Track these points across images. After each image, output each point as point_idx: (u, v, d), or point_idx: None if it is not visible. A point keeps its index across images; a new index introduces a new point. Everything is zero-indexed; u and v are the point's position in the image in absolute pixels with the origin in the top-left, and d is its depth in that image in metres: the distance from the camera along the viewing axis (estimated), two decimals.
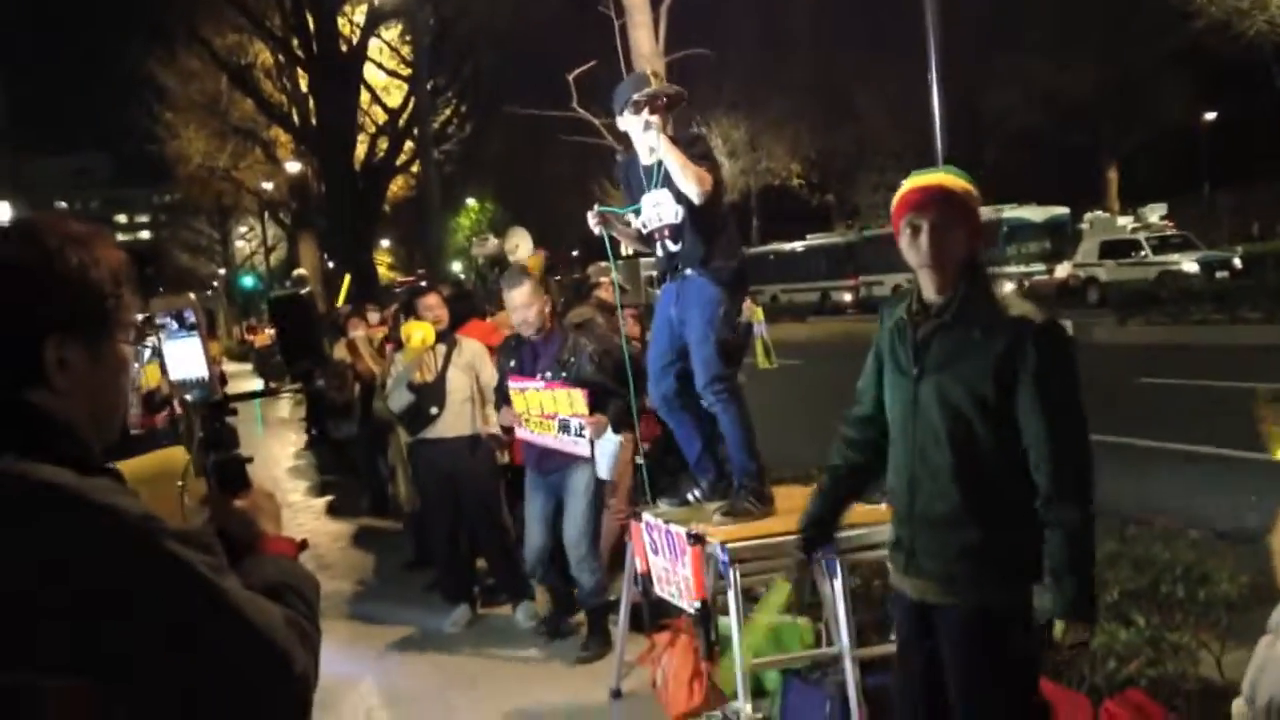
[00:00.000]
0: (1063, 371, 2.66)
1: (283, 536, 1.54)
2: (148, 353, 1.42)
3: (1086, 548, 2.65)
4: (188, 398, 1.66)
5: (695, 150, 4.20)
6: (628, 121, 4.29)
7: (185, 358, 1.65)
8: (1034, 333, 2.64)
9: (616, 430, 5.39)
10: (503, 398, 5.83)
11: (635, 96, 4.22)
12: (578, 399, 5.19)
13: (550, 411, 5.38)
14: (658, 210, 4.29)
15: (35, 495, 1.19)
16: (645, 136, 4.21)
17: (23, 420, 1.27)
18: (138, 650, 1.17)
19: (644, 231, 4.40)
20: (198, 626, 1.20)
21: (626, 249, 4.80)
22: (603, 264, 7.09)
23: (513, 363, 5.73)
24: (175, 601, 1.20)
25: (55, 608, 1.15)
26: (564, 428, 5.31)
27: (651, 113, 4.19)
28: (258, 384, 26.46)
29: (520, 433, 5.71)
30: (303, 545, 1.54)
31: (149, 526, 1.22)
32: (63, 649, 1.15)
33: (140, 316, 1.41)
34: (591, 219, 4.44)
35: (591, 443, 5.25)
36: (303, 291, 12.29)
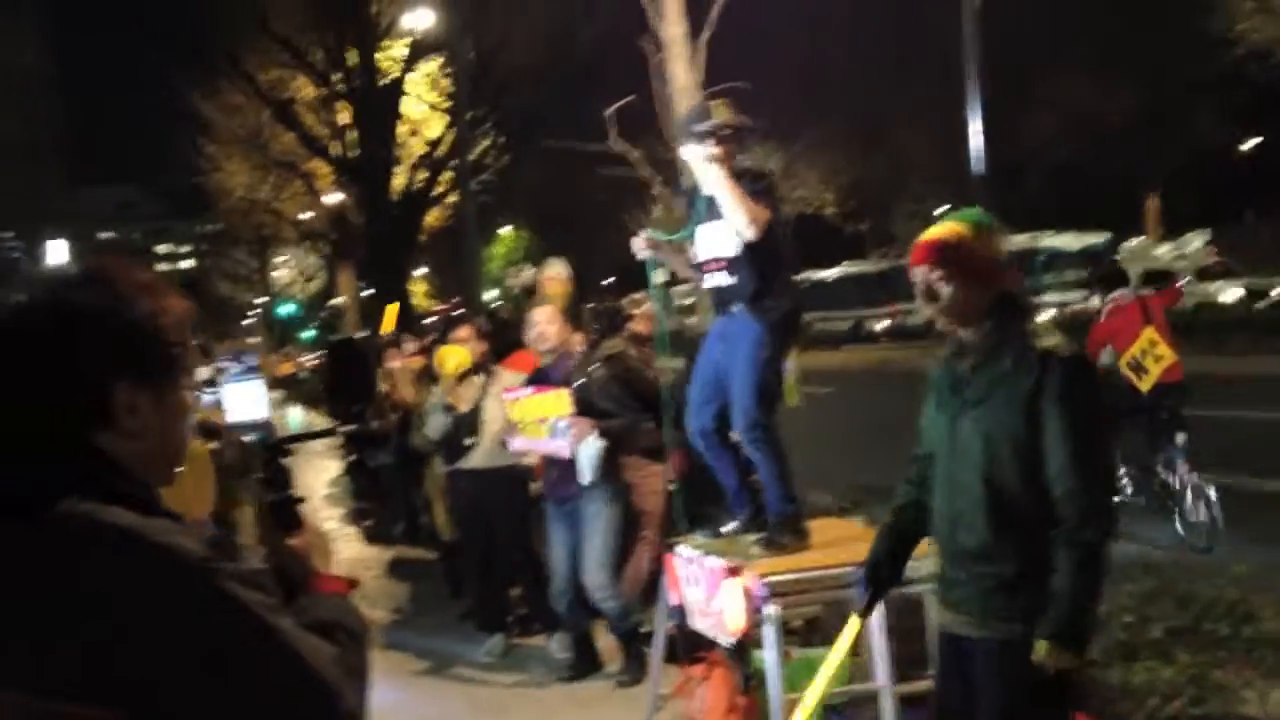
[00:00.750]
0: (1086, 402, 2.71)
1: (335, 575, 1.57)
2: (208, 398, 1.46)
3: (1092, 578, 2.68)
4: (246, 438, 1.71)
5: (757, 186, 4.12)
6: (690, 151, 4.22)
7: (245, 399, 1.70)
8: (1059, 365, 2.70)
9: (607, 440, 5.45)
10: None
11: (697, 129, 4.18)
12: (563, 399, 5.29)
13: (541, 415, 5.46)
14: (713, 241, 4.22)
15: (98, 535, 1.23)
16: (703, 168, 4.16)
17: (90, 463, 1.31)
18: (193, 687, 1.21)
19: (696, 261, 4.35)
20: (253, 664, 1.24)
21: (659, 277, 4.78)
22: (635, 296, 7.13)
23: (529, 387, 5.81)
24: (231, 639, 1.23)
25: (115, 645, 1.19)
26: (555, 430, 5.39)
27: (716, 144, 4.12)
28: (294, 412, 26.68)
29: (515, 443, 5.78)
30: (353, 584, 1.58)
31: (207, 566, 1.25)
32: (119, 685, 1.18)
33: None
34: (638, 244, 4.43)
35: (576, 443, 5.33)
36: (357, 336, 12.49)
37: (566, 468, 5.51)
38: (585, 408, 5.45)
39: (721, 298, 4.26)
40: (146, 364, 1.37)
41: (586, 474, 5.45)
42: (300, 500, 1.64)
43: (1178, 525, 6.85)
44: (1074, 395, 2.69)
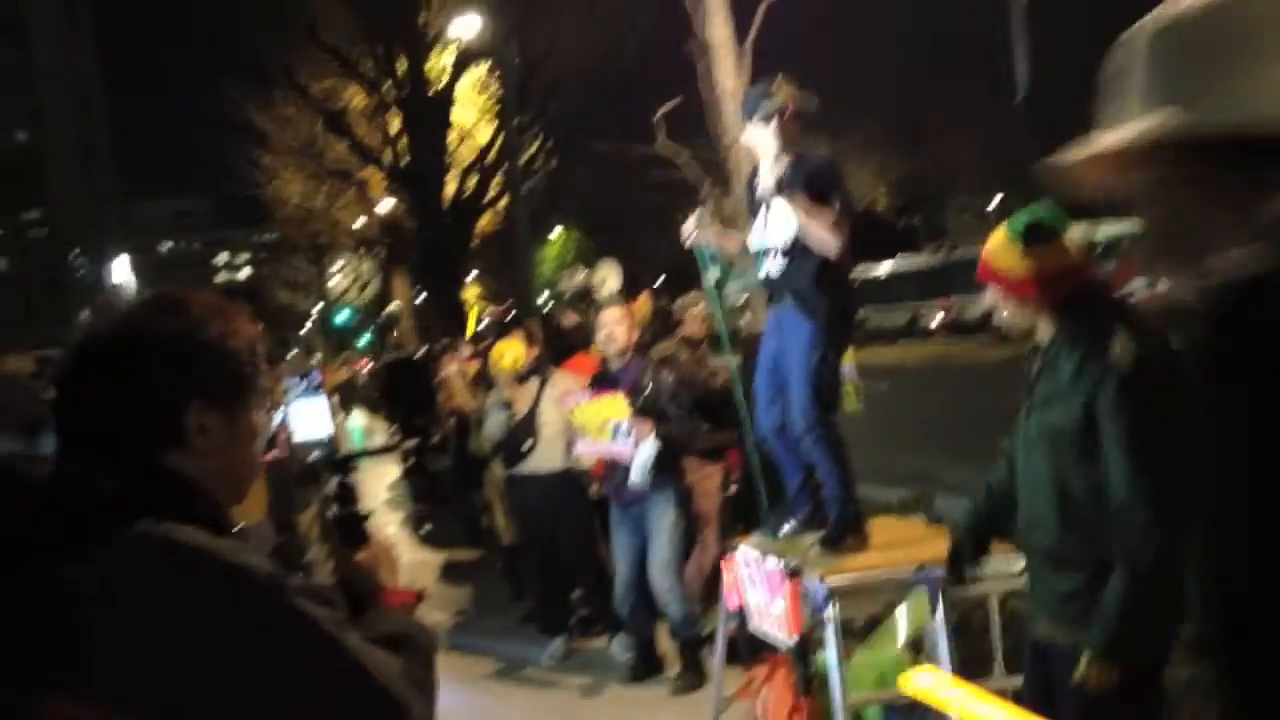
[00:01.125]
0: (1142, 414, 2.58)
1: (401, 589, 1.60)
2: (278, 417, 1.49)
3: (1143, 594, 2.56)
4: (311, 457, 1.74)
5: (826, 180, 4.08)
6: (754, 132, 4.21)
7: (310, 417, 1.74)
8: (1115, 375, 2.59)
9: (666, 444, 5.44)
10: None
11: (762, 110, 4.15)
12: (620, 402, 5.31)
13: (602, 419, 5.49)
14: (772, 224, 4.19)
15: (172, 555, 1.26)
16: (766, 148, 4.14)
17: (164, 484, 1.34)
18: (264, 702, 1.24)
19: (753, 249, 4.31)
20: (322, 679, 1.26)
21: (712, 277, 4.77)
22: (687, 298, 7.11)
23: (587, 392, 5.83)
24: (300, 655, 1.26)
25: (187, 661, 1.22)
26: (616, 431, 5.42)
27: (780, 124, 4.12)
28: (355, 417, 27.03)
29: (581, 446, 5.80)
30: (420, 597, 1.60)
31: (276, 584, 1.28)
32: (191, 699, 1.21)
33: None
34: (687, 227, 4.39)
35: (637, 444, 5.34)
36: (416, 355, 12.77)
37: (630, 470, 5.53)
38: (653, 412, 5.46)
39: (774, 285, 4.23)
40: (217, 386, 1.40)
41: (637, 475, 5.46)
42: (366, 516, 1.67)
43: None
44: (1128, 407, 2.58)
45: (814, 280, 4.11)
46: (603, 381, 5.85)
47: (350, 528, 1.66)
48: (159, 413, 1.36)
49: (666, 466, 5.53)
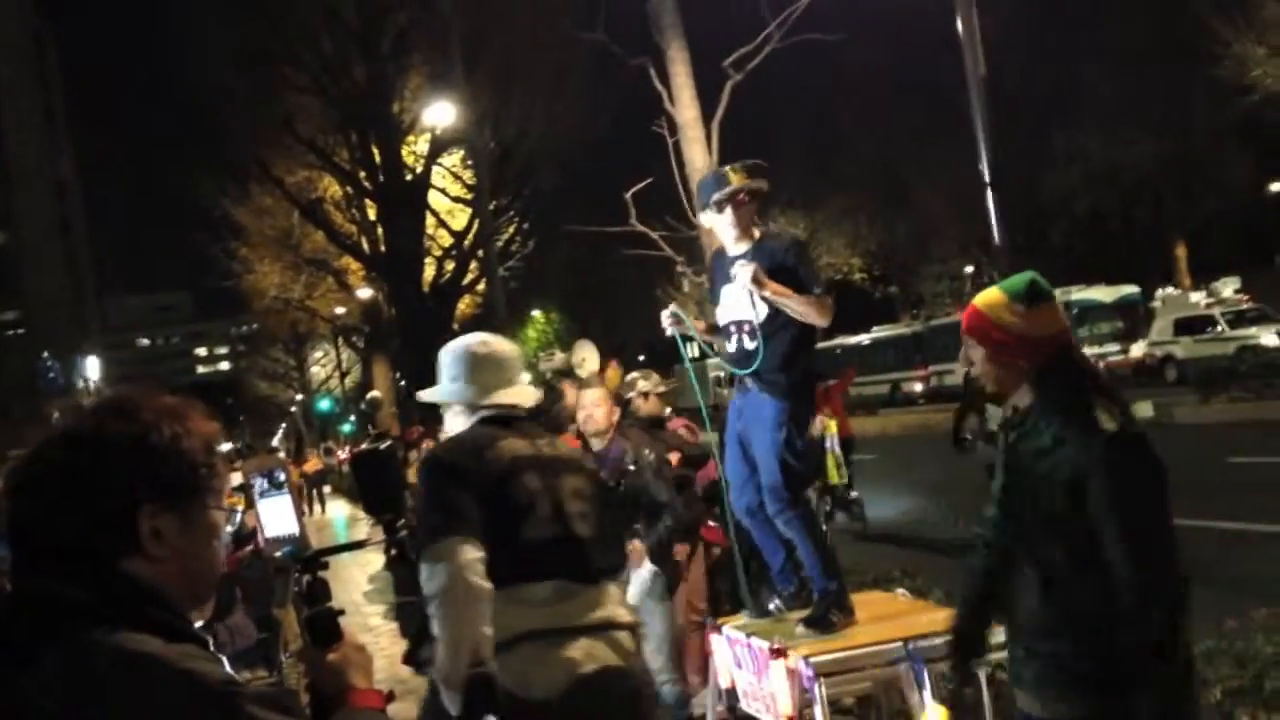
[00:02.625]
0: (1132, 486, 2.56)
1: (371, 690, 1.57)
2: (238, 516, 1.46)
3: (1165, 667, 2.51)
4: (278, 554, 1.72)
5: (800, 260, 4.13)
6: (710, 219, 4.28)
7: (276, 515, 1.72)
8: (1102, 447, 2.56)
9: (654, 561, 5.37)
10: None
11: (716, 197, 4.20)
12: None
13: None
14: (734, 304, 4.21)
15: (121, 664, 1.23)
16: (742, 291, 4.14)
17: (118, 592, 1.31)
18: None
19: (719, 324, 4.34)
20: None
21: (694, 351, 4.78)
22: (632, 376, 7.00)
23: None
24: None
25: None
26: None
27: (735, 209, 4.18)
28: (335, 506, 26.82)
29: None
30: (389, 698, 1.57)
31: (229, 690, 1.25)
32: None
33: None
34: (666, 318, 4.43)
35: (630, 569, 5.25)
36: (382, 446, 12.79)
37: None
38: (639, 496, 5.37)
39: (740, 361, 4.22)
40: (170, 489, 1.37)
41: (634, 598, 5.38)
42: (339, 613, 1.64)
43: (846, 518, 11.39)
44: (1118, 480, 2.54)
45: (782, 357, 4.12)
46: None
47: (321, 627, 1.62)
48: (111, 519, 1.33)
49: (662, 555, 5.47)
